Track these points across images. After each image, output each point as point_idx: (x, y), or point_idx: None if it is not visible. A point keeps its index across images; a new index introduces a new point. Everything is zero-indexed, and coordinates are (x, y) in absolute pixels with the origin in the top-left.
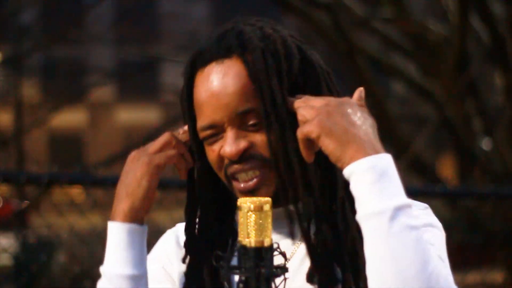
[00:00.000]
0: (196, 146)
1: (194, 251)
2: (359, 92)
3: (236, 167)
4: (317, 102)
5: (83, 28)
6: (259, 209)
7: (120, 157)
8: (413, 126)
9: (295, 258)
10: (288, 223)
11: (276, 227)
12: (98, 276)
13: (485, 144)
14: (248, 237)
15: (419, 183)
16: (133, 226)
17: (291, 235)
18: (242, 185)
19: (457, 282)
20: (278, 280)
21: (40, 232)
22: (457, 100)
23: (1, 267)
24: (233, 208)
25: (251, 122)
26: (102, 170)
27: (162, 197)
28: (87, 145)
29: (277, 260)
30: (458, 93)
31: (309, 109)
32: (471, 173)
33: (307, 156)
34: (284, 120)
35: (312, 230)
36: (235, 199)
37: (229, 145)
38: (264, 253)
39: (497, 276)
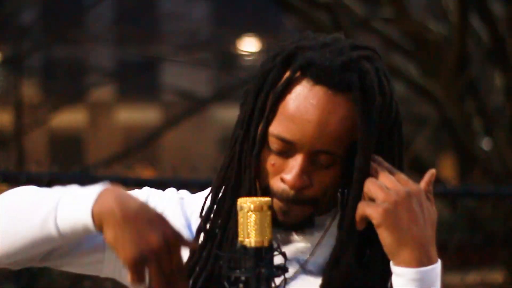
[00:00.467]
0: (253, 144)
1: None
2: (430, 176)
3: (285, 196)
4: (389, 182)
5: (83, 28)
6: (259, 209)
7: (120, 157)
8: (413, 126)
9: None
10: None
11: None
12: (97, 276)
13: (485, 144)
14: (248, 237)
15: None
16: (93, 229)
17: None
18: (280, 204)
19: (457, 282)
20: (278, 280)
21: None
22: (457, 100)
23: (1, 267)
24: None
25: (323, 161)
26: (102, 170)
27: None
28: (87, 145)
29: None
30: (458, 93)
31: (378, 189)
32: (471, 173)
33: (359, 225)
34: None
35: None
36: None
37: (295, 176)
38: (264, 253)
39: (497, 276)
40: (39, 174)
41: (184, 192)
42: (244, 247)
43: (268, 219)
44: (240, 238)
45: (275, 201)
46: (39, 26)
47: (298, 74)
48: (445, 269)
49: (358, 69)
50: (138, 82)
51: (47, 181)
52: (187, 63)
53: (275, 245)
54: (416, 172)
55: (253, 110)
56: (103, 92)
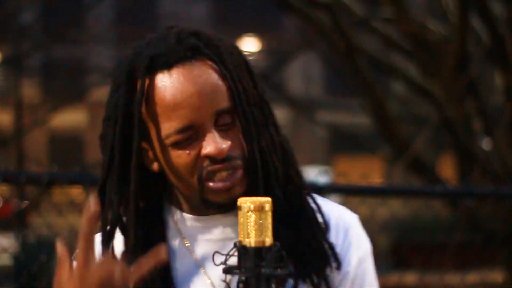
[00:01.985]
0: (137, 154)
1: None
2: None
3: (218, 166)
4: None
5: (83, 28)
6: (259, 209)
7: None
8: (413, 126)
9: None
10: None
11: (227, 232)
12: None
13: (485, 144)
14: (248, 237)
15: (419, 183)
16: None
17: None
18: (219, 184)
19: (457, 282)
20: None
21: (40, 232)
22: (457, 100)
23: (1, 267)
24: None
25: (224, 122)
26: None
27: None
28: (87, 145)
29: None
30: (458, 93)
31: None
32: (471, 173)
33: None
34: (257, 120)
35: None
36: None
37: (217, 144)
38: (264, 253)
39: (497, 276)
40: (39, 174)
41: None
42: (244, 247)
43: (268, 219)
44: (240, 238)
45: (211, 185)
46: (39, 26)
47: (148, 76)
48: (445, 269)
49: (190, 35)
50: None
51: (47, 181)
52: None
53: (275, 245)
54: (416, 172)
55: (114, 138)
56: (103, 92)
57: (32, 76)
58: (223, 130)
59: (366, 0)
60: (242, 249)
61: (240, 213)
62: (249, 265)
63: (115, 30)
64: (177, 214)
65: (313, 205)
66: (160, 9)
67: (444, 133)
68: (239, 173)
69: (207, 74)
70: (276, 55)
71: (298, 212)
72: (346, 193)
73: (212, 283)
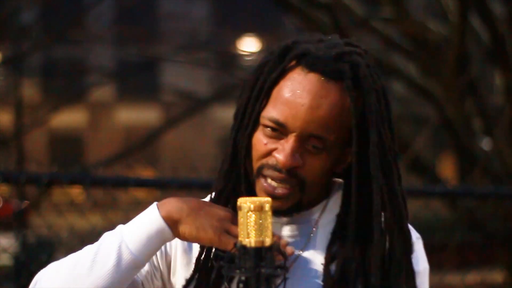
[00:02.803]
0: (249, 121)
1: None
2: None
3: (277, 174)
4: None
5: (83, 28)
6: (259, 209)
7: (120, 157)
8: (413, 126)
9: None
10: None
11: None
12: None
13: (485, 144)
14: (248, 237)
15: (419, 183)
16: (168, 232)
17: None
18: (270, 188)
19: (457, 282)
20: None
21: (40, 232)
22: (457, 100)
23: (1, 267)
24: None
25: (313, 145)
26: (102, 170)
27: (162, 197)
28: (87, 145)
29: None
30: (458, 93)
31: None
32: (471, 173)
33: None
34: (373, 163)
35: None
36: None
37: (286, 155)
38: (264, 253)
39: (497, 276)
40: (39, 174)
41: None
42: (244, 247)
43: (268, 219)
44: (240, 238)
45: (265, 181)
46: (39, 26)
47: (293, 63)
48: (445, 269)
49: (350, 61)
50: (138, 82)
51: (47, 181)
52: (187, 63)
53: (275, 245)
54: (416, 172)
55: (249, 99)
56: (103, 92)
57: (32, 76)
58: (308, 151)
59: (366, 0)
60: (242, 249)
61: (240, 213)
62: (249, 265)
63: (115, 30)
64: None
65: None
66: (160, 9)
67: (444, 133)
68: (292, 191)
69: (331, 101)
70: None
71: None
72: None
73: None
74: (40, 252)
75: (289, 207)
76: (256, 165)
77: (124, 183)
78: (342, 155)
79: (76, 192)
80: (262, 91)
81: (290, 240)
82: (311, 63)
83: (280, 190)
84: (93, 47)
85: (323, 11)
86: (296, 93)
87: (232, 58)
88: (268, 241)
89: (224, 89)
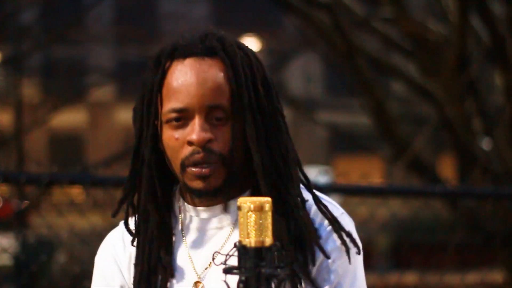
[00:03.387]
0: (147, 128)
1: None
2: None
3: (197, 156)
4: None
5: (83, 28)
6: (259, 209)
7: (120, 157)
8: (413, 126)
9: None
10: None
11: (213, 223)
12: None
13: (485, 144)
14: (248, 237)
15: (419, 183)
16: None
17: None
18: (197, 169)
19: (457, 282)
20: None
21: (40, 232)
22: (457, 100)
23: (1, 267)
24: (170, 199)
25: (216, 116)
26: (102, 170)
27: None
28: (87, 145)
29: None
30: (458, 93)
31: None
32: (471, 173)
33: None
34: (253, 122)
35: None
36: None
37: (197, 132)
38: (264, 253)
39: (497, 276)
40: (39, 174)
41: (106, 241)
42: (244, 247)
43: (268, 219)
44: (240, 238)
45: (191, 170)
46: (39, 26)
47: (168, 62)
48: (445, 269)
49: (215, 37)
50: (138, 82)
51: (47, 181)
52: None
53: (275, 245)
54: (416, 172)
55: (142, 111)
56: (103, 92)
57: (32, 76)
58: (214, 124)
59: (366, 0)
60: (242, 249)
61: (240, 213)
62: (249, 265)
63: (115, 30)
64: (182, 203)
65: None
66: (160, 9)
67: (444, 133)
68: (217, 166)
69: (213, 72)
70: (276, 55)
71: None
72: (346, 193)
73: (194, 267)
74: (40, 252)
75: (221, 185)
76: (178, 163)
77: (124, 183)
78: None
79: (76, 192)
80: (152, 97)
81: (218, 231)
82: (182, 52)
83: (207, 169)
84: (93, 47)
85: (323, 11)
86: (182, 79)
87: None
88: (268, 241)
89: None
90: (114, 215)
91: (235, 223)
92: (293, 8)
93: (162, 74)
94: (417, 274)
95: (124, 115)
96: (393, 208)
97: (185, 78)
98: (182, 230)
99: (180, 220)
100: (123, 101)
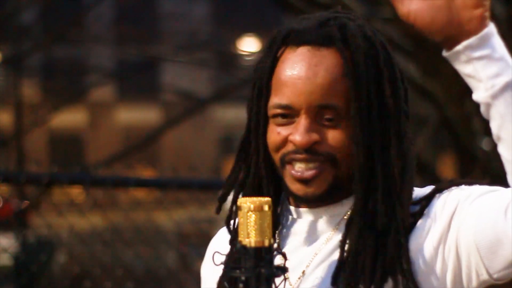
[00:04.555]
0: (258, 120)
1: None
2: None
3: (298, 156)
4: None
5: (83, 28)
6: (259, 209)
7: (120, 157)
8: (413, 126)
9: (317, 258)
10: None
11: (317, 225)
12: (97, 276)
13: (485, 144)
14: (248, 237)
15: (419, 183)
16: None
17: (342, 238)
18: (298, 173)
19: None
20: (278, 280)
21: (40, 232)
22: (457, 100)
23: (1, 267)
24: (277, 198)
25: (326, 117)
26: (102, 170)
27: (162, 197)
28: (87, 145)
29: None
30: (458, 93)
31: None
32: (471, 173)
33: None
34: (367, 126)
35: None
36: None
37: (301, 134)
38: (264, 253)
39: None
40: (39, 174)
41: (210, 246)
42: (244, 247)
43: (268, 219)
44: (240, 238)
45: (291, 171)
46: (39, 26)
47: (282, 48)
48: None
49: (336, 24)
50: (138, 82)
51: (47, 181)
52: (187, 63)
53: (275, 245)
54: (416, 172)
55: (252, 100)
56: (103, 92)
57: (32, 76)
58: (323, 125)
59: (366, 0)
60: (242, 249)
61: (240, 213)
62: (249, 265)
63: (115, 30)
64: (286, 205)
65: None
66: (160, 9)
67: (444, 133)
68: (323, 167)
69: (327, 66)
70: None
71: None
72: None
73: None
74: (40, 252)
75: (324, 191)
76: (277, 157)
77: (124, 183)
78: None
79: (76, 192)
80: (262, 87)
81: (318, 234)
82: (296, 39)
83: (309, 172)
84: (93, 47)
85: (323, 11)
86: (290, 71)
87: (232, 58)
88: (268, 242)
89: (224, 89)
90: (218, 211)
91: (337, 227)
92: (293, 8)
93: (272, 62)
94: None
95: (124, 115)
96: None
97: (294, 71)
98: (282, 230)
99: (281, 221)
100: (123, 101)
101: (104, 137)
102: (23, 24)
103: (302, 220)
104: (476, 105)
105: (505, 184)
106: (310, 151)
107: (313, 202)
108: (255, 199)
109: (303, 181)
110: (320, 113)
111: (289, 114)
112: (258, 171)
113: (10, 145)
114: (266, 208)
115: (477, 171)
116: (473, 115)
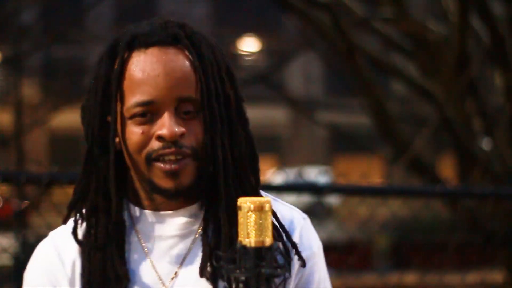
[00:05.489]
0: (102, 126)
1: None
2: None
3: (167, 151)
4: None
5: (83, 28)
6: (259, 209)
7: None
8: (413, 126)
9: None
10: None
11: (175, 229)
12: None
13: (485, 144)
14: (248, 237)
15: (419, 183)
16: None
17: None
18: (168, 166)
19: (457, 282)
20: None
21: (40, 232)
22: (457, 100)
23: (1, 267)
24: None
25: (186, 110)
26: None
27: None
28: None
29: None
30: (458, 93)
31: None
32: (471, 173)
33: None
34: (219, 115)
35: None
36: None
37: (169, 127)
38: (264, 253)
39: (497, 276)
40: (39, 174)
41: (37, 256)
42: (244, 247)
43: (268, 219)
44: (240, 238)
45: (159, 166)
46: (39, 26)
47: (127, 52)
48: (445, 269)
49: (176, 25)
50: None
51: (47, 181)
52: None
53: (275, 245)
54: (416, 172)
55: (93, 106)
56: None
57: (32, 76)
58: (183, 118)
59: (366, 0)
60: (242, 249)
61: (240, 213)
62: (249, 265)
63: (115, 30)
64: (136, 211)
65: None
66: (160, 9)
67: (444, 133)
68: (187, 161)
69: (180, 62)
70: (276, 55)
71: None
72: (346, 193)
73: (159, 277)
74: None
75: (191, 183)
76: (141, 157)
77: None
78: None
79: None
80: (110, 91)
81: (181, 236)
82: (144, 41)
83: (177, 164)
84: (93, 47)
85: (323, 11)
86: (146, 70)
87: (232, 58)
88: (268, 241)
89: None
90: (65, 221)
91: (197, 228)
92: (293, 8)
93: (121, 66)
94: (417, 274)
95: None
96: (393, 208)
97: (150, 69)
98: (139, 237)
99: (135, 227)
100: None
101: None
102: (23, 24)
103: (160, 224)
104: (476, 105)
105: (505, 184)
106: (177, 145)
107: (180, 197)
108: (255, 199)
109: (173, 173)
110: (180, 107)
111: (149, 111)
112: (106, 178)
113: (10, 145)
114: (266, 208)
115: (477, 171)
116: (473, 115)
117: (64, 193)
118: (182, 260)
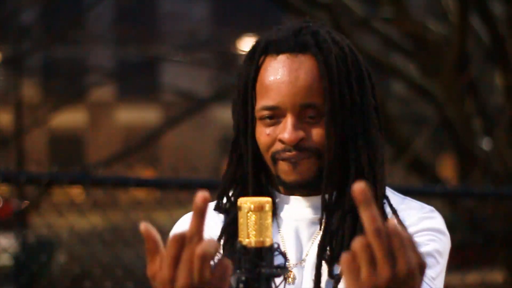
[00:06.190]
0: (246, 123)
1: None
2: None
3: (288, 154)
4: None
5: (83, 28)
6: (259, 209)
7: (120, 157)
8: (413, 126)
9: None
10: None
11: (306, 213)
12: (97, 276)
13: (485, 144)
14: (248, 237)
15: (419, 183)
16: None
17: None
18: (288, 167)
19: (457, 282)
20: (278, 280)
21: (40, 232)
22: (457, 100)
23: (1, 267)
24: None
25: (309, 115)
26: (102, 170)
27: (162, 197)
28: (87, 145)
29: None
30: (458, 93)
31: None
32: (471, 173)
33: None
34: (343, 119)
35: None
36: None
37: (289, 132)
38: (264, 253)
39: (497, 276)
40: (39, 174)
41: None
42: (244, 247)
43: (268, 219)
44: (240, 238)
45: (283, 164)
46: (39, 26)
47: (262, 57)
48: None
49: (309, 32)
50: (138, 82)
51: (47, 181)
52: (187, 63)
53: (275, 245)
54: (416, 172)
55: (238, 105)
56: (103, 92)
57: (32, 76)
58: (307, 122)
59: (366, 0)
60: (242, 249)
61: (240, 213)
62: (249, 265)
63: (115, 30)
64: (275, 195)
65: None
66: (160, 9)
67: (444, 133)
68: (308, 160)
69: (306, 70)
70: None
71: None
72: None
73: (288, 258)
74: (40, 252)
75: (311, 178)
76: (268, 155)
77: (124, 183)
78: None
79: (76, 192)
80: (247, 94)
81: (310, 223)
82: (275, 48)
83: (300, 166)
84: (93, 47)
85: (323, 11)
86: (274, 77)
87: (232, 58)
88: (268, 241)
89: (224, 89)
90: (217, 208)
91: (323, 217)
92: (293, 8)
93: (255, 70)
94: None
95: (124, 115)
96: None
97: (277, 76)
98: (276, 220)
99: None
100: (123, 101)
101: (104, 137)
102: (23, 24)
103: (294, 208)
104: (476, 105)
105: (505, 184)
106: (297, 148)
107: (303, 189)
108: (255, 199)
109: (294, 170)
110: (303, 112)
111: (275, 115)
112: (247, 168)
113: (10, 145)
114: (266, 208)
115: (477, 171)
116: (473, 115)
117: (64, 193)
118: (309, 249)
